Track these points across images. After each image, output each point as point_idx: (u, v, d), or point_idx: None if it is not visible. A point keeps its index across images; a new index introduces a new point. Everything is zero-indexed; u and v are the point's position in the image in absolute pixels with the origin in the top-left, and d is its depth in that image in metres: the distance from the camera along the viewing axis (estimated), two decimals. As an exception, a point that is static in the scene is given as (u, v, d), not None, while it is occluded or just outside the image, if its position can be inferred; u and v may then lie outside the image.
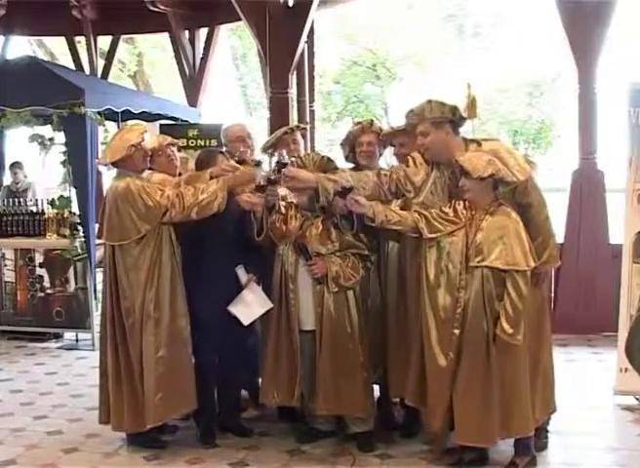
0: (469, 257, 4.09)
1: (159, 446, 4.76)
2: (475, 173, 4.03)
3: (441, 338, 4.16)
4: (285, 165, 4.53)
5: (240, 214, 4.69)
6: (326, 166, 4.71)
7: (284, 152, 4.69)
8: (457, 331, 4.10)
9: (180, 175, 5.14)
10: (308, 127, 5.62)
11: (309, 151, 5.05)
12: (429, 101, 4.28)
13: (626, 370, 5.46)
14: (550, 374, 4.53)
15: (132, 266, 4.55)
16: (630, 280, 5.47)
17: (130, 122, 8.63)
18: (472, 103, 4.55)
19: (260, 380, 4.87)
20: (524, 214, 4.22)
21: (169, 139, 5.25)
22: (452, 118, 4.29)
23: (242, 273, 4.73)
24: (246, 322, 4.68)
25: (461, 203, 4.21)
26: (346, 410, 4.65)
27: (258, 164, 4.68)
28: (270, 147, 5.30)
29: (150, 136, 5.43)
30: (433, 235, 4.18)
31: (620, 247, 5.62)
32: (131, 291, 4.56)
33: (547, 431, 4.66)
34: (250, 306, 4.68)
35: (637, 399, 5.46)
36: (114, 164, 4.65)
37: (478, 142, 4.37)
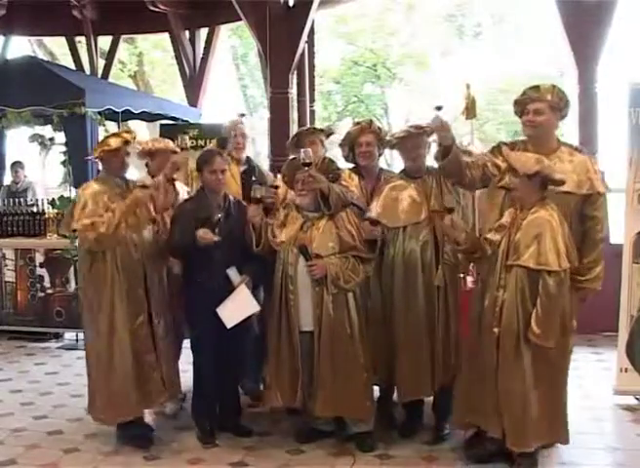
0: (509, 256, 4.15)
1: (144, 443, 4.78)
2: (522, 170, 4.08)
3: (485, 338, 4.22)
4: (309, 164, 4.55)
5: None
6: (328, 167, 4.70)
7: (309, 151, 4.68)
8: (496, 330, 4.15)
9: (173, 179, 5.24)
10: (330, 130, 5.62)
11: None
12: (554, 86, 4.43)
13: (626, 369, 5.47)
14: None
15: (80, 265, 4.78)
16: (630, 280, 5.48)
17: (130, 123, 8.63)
18: (471, 104, 4.56)
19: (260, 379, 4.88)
20: (585, 228, 4.37)
21: (171, 147, 5.38)
22: (563, 110, 4.43)
23: (234, 274, 4.70)
24: (229, 324, 4.65)
25: (512, 207, 4.28)
26: (346, 412, 4.65)
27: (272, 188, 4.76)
28: (295, 145, 5.33)
29: (151, 138, 5.55)
30: (492, 249, 4.27)
31: (620, 247, 5.61)
32: (81, 292, 4.80)
33: None
34: (235, 309, 4.67)
35: (637, 399, 5.46)
36: (99, 162, 4.91)
37: (570, 145, 4.53)
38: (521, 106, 4.46)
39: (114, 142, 4.72)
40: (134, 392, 4.66)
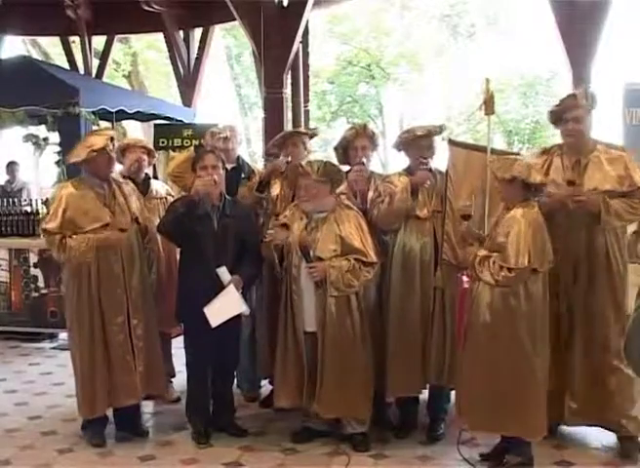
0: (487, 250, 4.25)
1: (99, 441, 4.81)
2: (499, 174, 4.19)
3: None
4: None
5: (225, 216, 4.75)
6: (330, 171, 4.67)
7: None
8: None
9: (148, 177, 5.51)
10: (313, 131, 5.69)
11: (311, 159, 5.05)
12: (585, 88, 4.52)
13: (621, 369, 5.45)
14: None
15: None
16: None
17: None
18: (490, 100, 4.52)
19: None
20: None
21: (141, 143, 5.51)
22: (593, 109, 4.49)
23: (224, 274, 4.69)
24: (213, 324, 4.63)
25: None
26: (347, 412, 4.66)
27: None
28: (278, 147, 5.35)
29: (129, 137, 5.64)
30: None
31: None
32: (64, 288, 4.96)
33: None
34: (221, 308, 4.65)
35: (631, 398, 5.46)
36: (80, 165, 4.73)
37: (603, 143, 4.56)
38: (558, 115, 4.52)
39: (100, 141, 4.64)
40: (102, 391, 4.68)
